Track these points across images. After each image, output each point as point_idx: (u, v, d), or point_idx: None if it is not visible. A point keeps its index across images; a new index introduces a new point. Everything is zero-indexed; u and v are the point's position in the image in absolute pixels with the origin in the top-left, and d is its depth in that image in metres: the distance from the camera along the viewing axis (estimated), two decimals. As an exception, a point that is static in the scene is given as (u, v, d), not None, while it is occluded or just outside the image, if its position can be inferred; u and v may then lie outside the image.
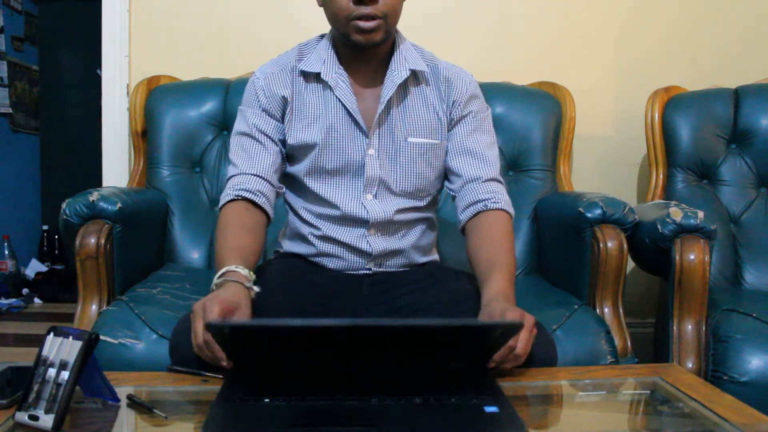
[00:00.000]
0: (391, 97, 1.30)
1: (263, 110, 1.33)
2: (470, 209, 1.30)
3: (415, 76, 1.33)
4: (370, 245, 1.32)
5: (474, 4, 2.21)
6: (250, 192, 1.27)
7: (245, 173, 1.29)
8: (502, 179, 1.35)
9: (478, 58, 2.16)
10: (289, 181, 1.39)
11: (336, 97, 1.29)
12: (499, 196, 1.30)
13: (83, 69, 4.09)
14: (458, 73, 1.36)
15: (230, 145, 1.36)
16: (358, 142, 1.31)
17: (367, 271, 1.34)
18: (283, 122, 1.33)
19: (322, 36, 1.37)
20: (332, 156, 1.31)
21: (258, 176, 1.29)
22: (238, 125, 1.35)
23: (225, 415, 0.87)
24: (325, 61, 1.31)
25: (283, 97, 1.32)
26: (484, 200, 1.29)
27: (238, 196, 1.27)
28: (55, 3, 4.30)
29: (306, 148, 1.32)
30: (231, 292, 1.07)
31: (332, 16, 1.25)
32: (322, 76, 1.30)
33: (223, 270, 1.13)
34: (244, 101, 1.37)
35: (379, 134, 1.31)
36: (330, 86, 1.30)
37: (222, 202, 1.29)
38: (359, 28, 1.21)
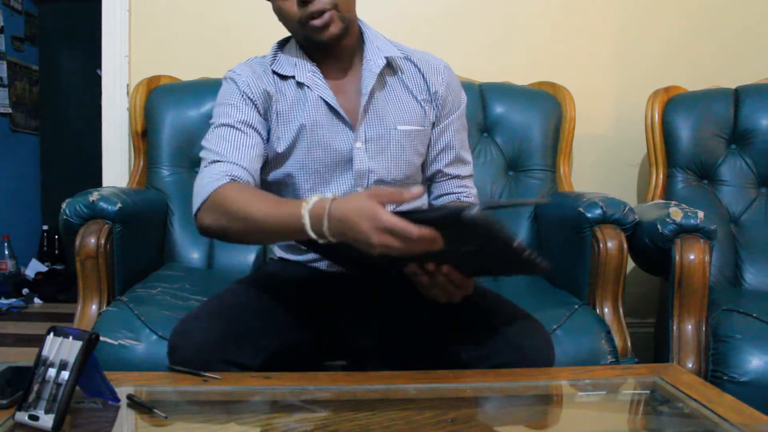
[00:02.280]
0: (373, 87, 1.27)
1: (246, 100, 1.25)
2: (441, 199, 1.40)
3: (391, 66, 1.31)
4: None
5: (474, 4, 2.21)
6: (243, 182, 1.18)
7: (232, 162, 1.19)
8: (472, 172, 1.44)
9: (478, 58, 2.16)
10: (283, 189, 1.32)
11: (316, 95, 1.26)
12: (470, 190, 1.41)
13: (83, 69, 4.09)
14: (430, 61, 1.35)
15: (207, 136, 1.25)
16: (343, 137, 1.27)
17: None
18: (266, 120, 1.27)
19: (284, 42, 1.33)
20: (319, 155, 1.27)
21: (246, 168, 1.20)
22: (217, 118, 1.26)
23: None
24: (296, 64, 1.28)
25: (266, 91, 1.26)
26: (457, 194, 1.39)
27: (232, 180, 1.16)
28: (55, 3, 4.30)
29: (291, 153, 1.28)
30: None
31: (288, 25, 1.24)
32: (297, 78, 1.27)
33: (305, 209, 1.00)
34: (222, 96, 1.28)
35: (365, 126, 1.28)
36: (307, 85, 1.27)
37: (211, 187, 1.15)
38: (314, 27, 1.19)
